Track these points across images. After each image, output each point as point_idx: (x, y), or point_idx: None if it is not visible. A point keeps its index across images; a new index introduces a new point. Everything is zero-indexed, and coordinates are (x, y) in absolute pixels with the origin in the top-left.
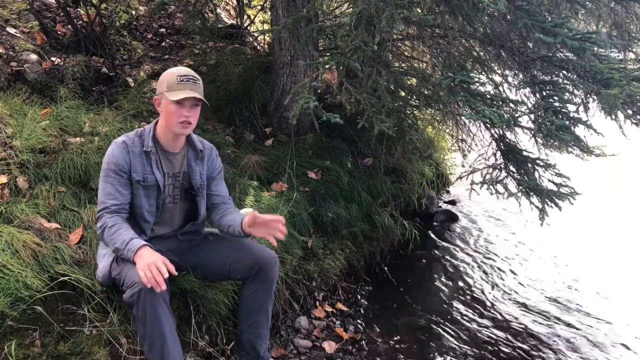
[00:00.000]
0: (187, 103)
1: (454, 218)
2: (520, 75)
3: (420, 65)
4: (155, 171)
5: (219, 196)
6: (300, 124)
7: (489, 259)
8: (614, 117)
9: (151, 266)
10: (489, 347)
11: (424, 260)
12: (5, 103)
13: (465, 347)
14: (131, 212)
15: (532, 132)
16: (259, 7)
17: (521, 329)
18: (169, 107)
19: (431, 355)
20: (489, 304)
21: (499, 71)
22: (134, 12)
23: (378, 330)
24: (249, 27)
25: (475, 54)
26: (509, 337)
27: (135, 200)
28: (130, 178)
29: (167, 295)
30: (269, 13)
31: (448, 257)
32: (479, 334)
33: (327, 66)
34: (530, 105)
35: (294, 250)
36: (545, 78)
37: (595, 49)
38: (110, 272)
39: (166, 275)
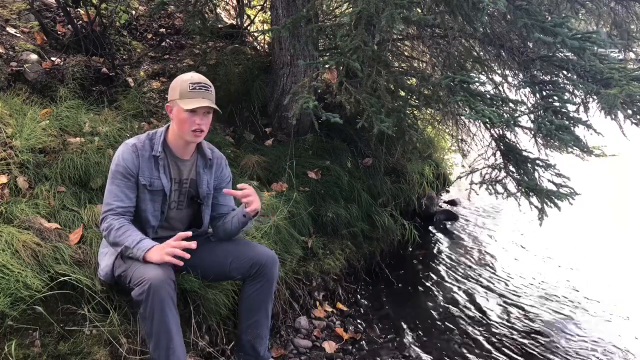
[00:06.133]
0: (200, 111)
1: (453, 218)
2: (520, 75)
3: (420, 65)
4: (162, 176)
5: (225, 206)
6: (300, 124)
7: (489, 259)
8: (613, 117)
9: (165, 248)
10: (489, 347)
11: (423, 260)
12: (5, 103)
13: (466, 346)
14: (135, 215)
15: (532, 132)
16: (259, 7)
17: (521, 329)
18: (181, 115)
19: (431, 355)
20: (489, 303)
21: (499, 71)
22: (134, 12)
23: (378, 330)
24: (249, 27)
25: (475, 54)
26: (509, 336)
27: (141, 203)
28: (137, 182)
29: (175, 294)
30: (269, 13)
31: (448, 257)
32: (479, 334)
33: (327, 66)
34: (530, 105)
35: (294, 250)
36: (545, 78)
37: (595, 48)
38: (113, 271)
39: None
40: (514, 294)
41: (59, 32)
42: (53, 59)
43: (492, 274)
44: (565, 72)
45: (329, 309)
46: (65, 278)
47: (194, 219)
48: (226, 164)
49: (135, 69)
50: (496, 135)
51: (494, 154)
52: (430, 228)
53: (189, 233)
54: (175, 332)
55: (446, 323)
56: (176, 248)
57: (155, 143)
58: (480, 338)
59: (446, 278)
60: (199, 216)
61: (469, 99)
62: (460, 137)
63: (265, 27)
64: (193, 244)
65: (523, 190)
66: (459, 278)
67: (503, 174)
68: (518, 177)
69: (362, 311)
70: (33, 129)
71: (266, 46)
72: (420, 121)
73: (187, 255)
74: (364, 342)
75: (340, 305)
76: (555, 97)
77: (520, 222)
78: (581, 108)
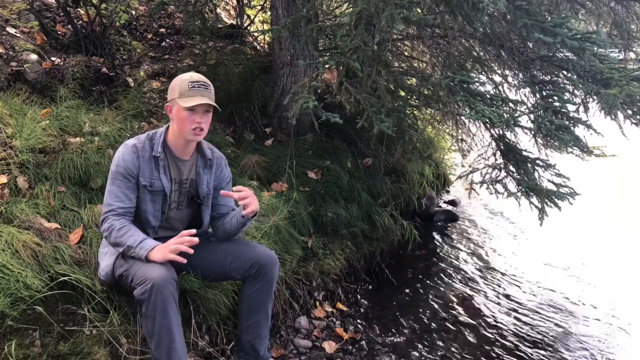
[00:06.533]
0: (199, 109)
1: (453, 218)
2: (520, 75)
3: (420, 65)
4: (162, 177)
5: (224, 206)
6: (300, 124)
7: (489, 259)
8: (613, 117)
9: (169, 247)
10: (489, 348)
11: (423, 261)
12: (5, 103)
13: (465, 347)
14: (136, 215)
15: (532, 132)
16: (259, 7)
17: (521, 330)
18: (181, 114)
19: (431, 355)
20: (488, 304)
21: (499, 71)
22: (134, 12)
23: (378, 330)
24: (249, 27)
25: (475, 54)
26: (509, 337)
27: (141, 204)
28: (137, 182)
29: (177, 294)
30: (269, 13)
31: (448, 257)
32: (478, 335)
33: (327, 66)
34: (530, 105)
35: (294, 250)
36: (545, 78)
37: (595, 48)
38: (113, 270)
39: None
40: (513, 295)
41: (59, 32)
42: (53, 59)
43: (492, 274)
44: (565, 72)
45: (329, 309)
46: (65, 278)
47: (194, 219)
48: (226, 163)
49: (135, 69)
50: (496, 135)
51: (494, 154)
52: (430, 228)
53: (193, 231)
54: (176, 332)
55: (446, 323)
56: (179, 244)
57: (155, 143)
58: (479, 339)
59: (446, 278)
60: (199, 216)
61: (469, 99)
62: (460, 137)
63: (265, 27)
64: (196, 239)
65: (523, 190)
66: (459, 278)
67: (503, 173)
68: (518, 177)
69: (362, 311)
70: (33, 129)
71: (266, 46)
72: (420, 121)
73: (191, 251)
74: (364, 342)
75: (340, 305)
76: (555, 97)
77: (520, 222)
78: (581, 108)
